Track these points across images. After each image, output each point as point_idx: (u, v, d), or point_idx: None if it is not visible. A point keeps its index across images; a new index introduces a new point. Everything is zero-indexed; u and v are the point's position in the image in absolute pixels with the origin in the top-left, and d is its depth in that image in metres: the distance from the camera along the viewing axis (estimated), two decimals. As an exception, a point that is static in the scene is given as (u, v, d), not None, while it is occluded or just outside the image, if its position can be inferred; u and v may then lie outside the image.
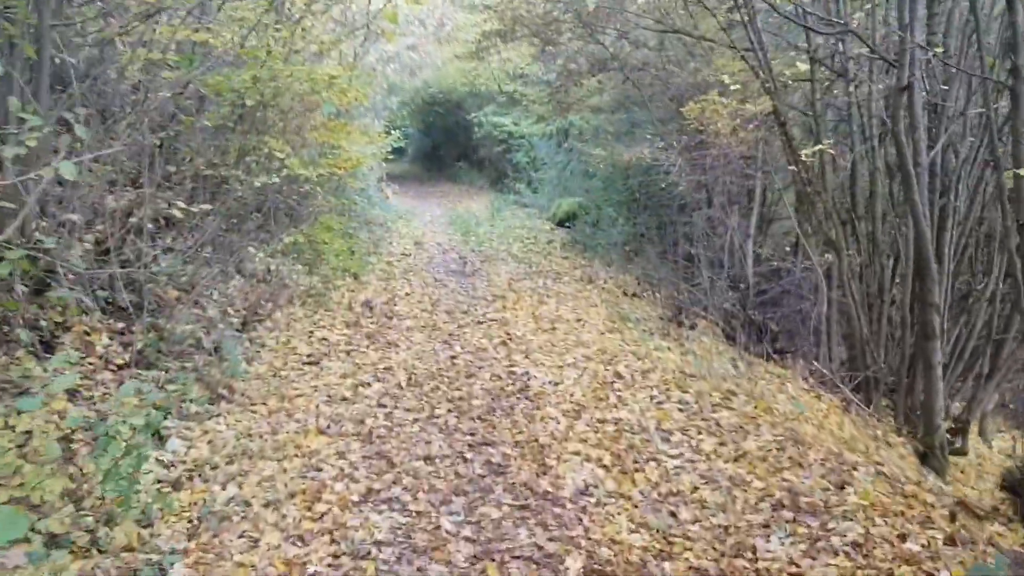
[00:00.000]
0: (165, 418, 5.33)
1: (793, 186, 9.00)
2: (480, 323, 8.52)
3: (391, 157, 18.14)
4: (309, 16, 11.09)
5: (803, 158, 7.94)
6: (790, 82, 8.03)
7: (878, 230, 8.63)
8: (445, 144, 30.11)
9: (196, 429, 5.26)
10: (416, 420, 5.64)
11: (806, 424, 5.88)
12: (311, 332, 7.75)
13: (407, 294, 9.85)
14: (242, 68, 7.65)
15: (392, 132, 15.79)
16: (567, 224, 15.89)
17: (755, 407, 6.01)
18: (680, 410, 5.89)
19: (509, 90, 22.60)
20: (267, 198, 9.31)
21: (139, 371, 5.81)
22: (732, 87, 7.79)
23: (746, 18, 7.70)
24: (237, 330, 7.35)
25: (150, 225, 6.92)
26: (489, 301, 9.56)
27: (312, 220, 10.67)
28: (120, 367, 5.76)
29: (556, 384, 6.46)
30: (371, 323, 8.40)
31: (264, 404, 5.82)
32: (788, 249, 10.86)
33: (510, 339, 7.84)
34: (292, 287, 8.85)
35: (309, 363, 6.86)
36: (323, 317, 8.41)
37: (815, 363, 8.71)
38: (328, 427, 5.47)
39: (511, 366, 6.96)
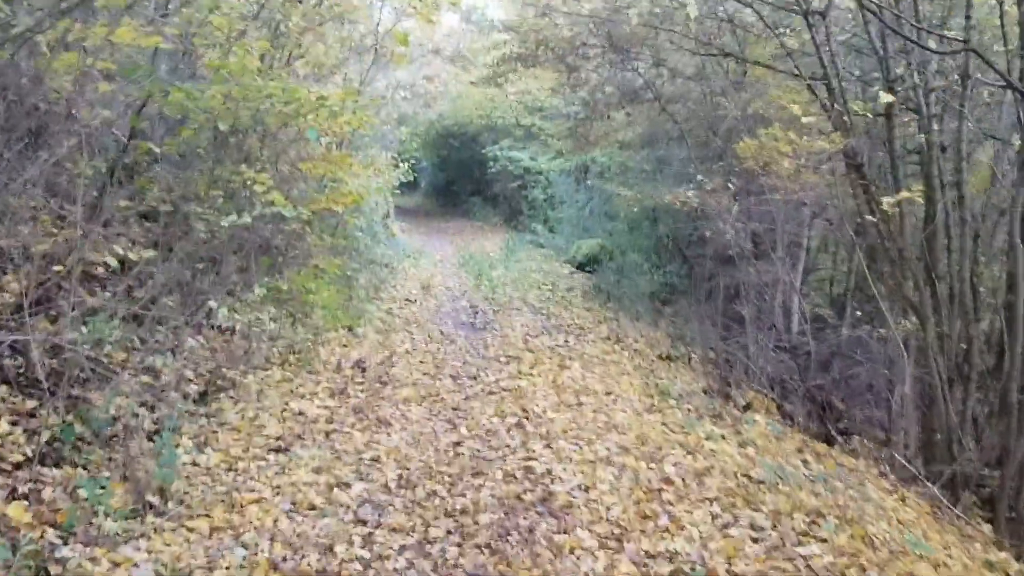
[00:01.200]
0: (65, 543, 3.91)
1: (863, 239, 7.57)
2: (491, 393, 7.08)
3: (399, 192, 16.85)
4: (308, 35, 9.82)
5: (883, 207, 6.53)
6: (869, 115, 6.63)
7: (965, 294, 7.19)
8: (459, 178, 28.89)
9: (102, 560, 3.82)
10: (404, 548, 4.18)
11: (921, 563, 4.39)
12: (286, 404, 6.32)
13: (408, 352, 8.42)
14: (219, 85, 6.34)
15: (401, 164, 14.50)
16: (587, 268, 14.49)
17: (850, 535, 4.53)
18: (754, 539, 4.41)
19: (527, 124, 21.36)
20: (247, 238, 7.97)
21: (43, 470, 4.40)
22: (804, 118, 6.39)
23: (820, 38, 6.33)
24: (195, 401, 5.94)
25: (100, 271, 5.60)
26: (502, 363, 8.12)
27: (302, 263, 9.31)
28: (18, 465, 4.36)
29: (587, 490, 4.99)
30: (361, 390, 6.97)
31: (206, 516, 4.37)
32: (830, 301, 9.43)
33: (527, 418, 6.39)
34: (269, 344, 7.45)
35: (276, 450, 5.42)
36: (305, 382, 6.98)
37: (889, 451, 7.22)
38: (284, 559, 4.02)
39: (529, 459, 5.49)
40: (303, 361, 7.48)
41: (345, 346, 8.48)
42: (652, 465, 5.42)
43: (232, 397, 6.16)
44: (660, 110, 10.09)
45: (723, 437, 6.10)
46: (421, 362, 8.09)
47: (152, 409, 5.35)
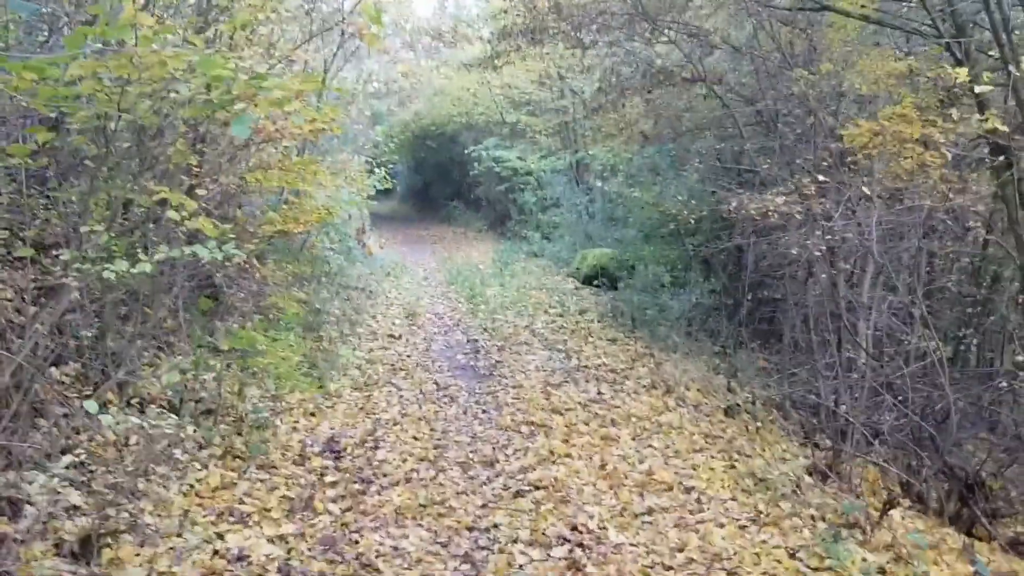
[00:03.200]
0: None
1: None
2: (519, 495, 4.87)
3: (374, 200, 14.59)
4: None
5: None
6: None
7: None
8: (437, 181, 26.66)
9: None
10: None
11: None
12: (216, 536, 4.09)
13: (396, 421, 6.20)
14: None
15: (377, 170, 12.25)
16: (597, 283, 12.34)
17: None
18: None
19: (512, 120, 19.15)
20: (169, 278, 5.72)
21: None
22: (980, 90, 4.26)
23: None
24: (74, 555, 3.74)
25: None
26: (525, 436, 5.92)
27: (254, 305, 7.09)
28: None
29: None
30: (334, 498, 4.76)
31: None
32: (944, 336, 7.32)
33: (581, 544, 4.21)
34: (204, 430, 5.22)
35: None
36: (252, 488, 4.76)
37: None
38: None
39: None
40: (253, 448, 5.25)
41: (313, 415, 6.26)
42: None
43: (133, 540, 3.92)
44: (707, 91, 7.95)
45: (883, 573, 3.96)
46: (415, 438, 5.87)
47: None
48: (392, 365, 7.86)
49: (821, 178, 5.53)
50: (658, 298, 10.09)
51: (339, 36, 9.60)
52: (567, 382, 7.35)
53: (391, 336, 9.04)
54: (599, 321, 10.01)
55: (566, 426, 6.12)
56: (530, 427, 6.06)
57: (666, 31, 7.72)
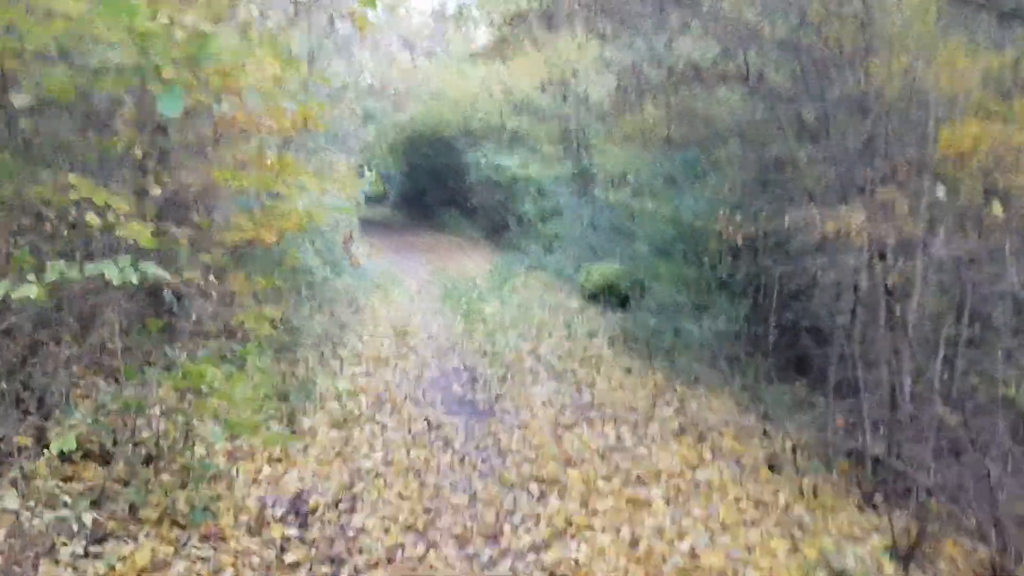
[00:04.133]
0: None
1: None
2: (533, 584, 3.80)
3: (366, 205, 13.58)
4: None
5: None
6: None
7: None
8: (432, 188, 25.54)
9: None
10: None
11: None
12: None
13: (376, 473, 5.10)
14: None
15: (368, 173, 11.19)
16: (603, 300, 11.29)
17: None
18: None
19: (513, 126, 18.12)
20: (105, 299, 4.63)
21: None
22: None
23: None
24: None
25: None
26: (535, 496, 4.83)
27: (210, 332, 6.00)
28: None
29: None
30: (295, 588, 3.67)
31: None
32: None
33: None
34: (138, 488, 4.12)
35: None
36: (188, 571, 3.67)
37: None
38: None
39: None
40: (197, 514, 4.15)
41: (280, 460, 5.17)
42: None
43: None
44: (747, 91, 6.93)
45: None
46: (401, 495, 4.77)
47: None
48: (378, 397, 6.76)
49: (940, 194, 4.47)
50: (675, 321, 9.02)
51: (328, 23, 8.55)
52: (580, 422, 6.27)
53: (378, 360, 7.94)
54: (610, 346, 8.94)
55: (583, 482, 5.03)
56: (540, 484, 4.97)
57: (701, 21, 6.68)
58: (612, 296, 11.26)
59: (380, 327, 9.53)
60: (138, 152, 5.17)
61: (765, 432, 6.60)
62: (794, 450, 6.29)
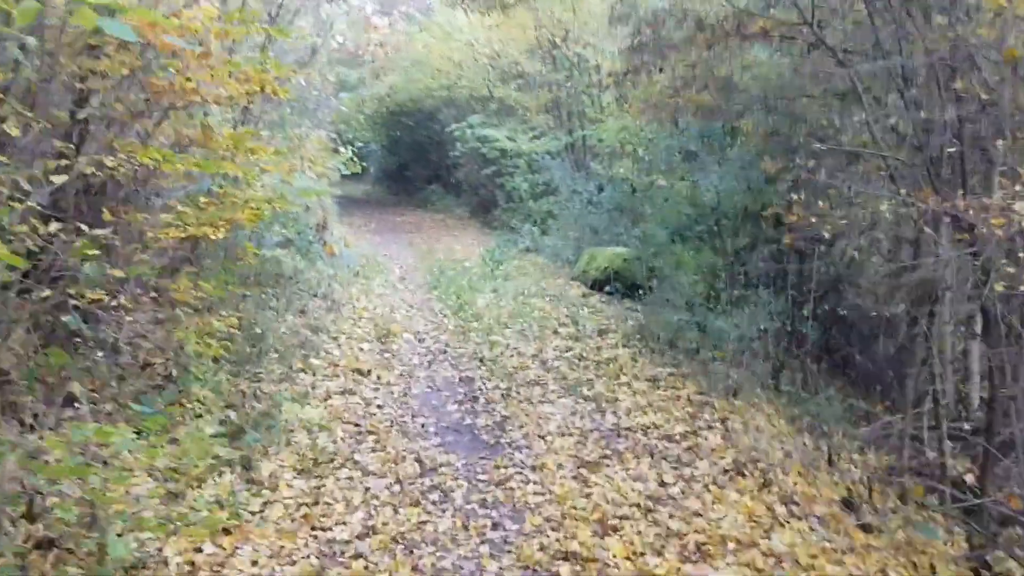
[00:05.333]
0: None
1: None
2: None
3: (344, 182, 12.27)
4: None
5: None
6: None
7: None
8: (414, 163, 24.10)
9: None
10: None
11: None
12: None
13: (355, 553, 3.81)
14: None
15: (343, 149, 9.80)
16: (608, 289, 10.02)
17: None
18: None
19: (501, 95, 16.70)
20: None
21: None
22: None
23: None
24: None
25: None
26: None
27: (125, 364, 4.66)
28: None
29: None
30: None
31: None
32: None
33: None
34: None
35: None
36: None
37: None
38: None
39: None
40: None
41: (228, 533, 3.86)
42: None
43: None
44: (809, 45, 5.60)
45: None
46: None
47: None
48: (356, 424, 5.46)
49: None
50: (699, 316, 7.78)
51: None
52: (608, 457, 5.00)
53: (357, 372, 6.63)
54: (625, 345, 7.68)
55: (628, 558, 3.78)
56: (573, 565, 3.71)
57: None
58: (618, 283, 9.99)
59: (360, 326, 8.20)
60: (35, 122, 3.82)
61: (830, 460, 5.39)
62: (869, 486, 5.09)
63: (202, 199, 5.35)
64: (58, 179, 4.18)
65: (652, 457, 5.02)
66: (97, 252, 3.94)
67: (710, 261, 8.54)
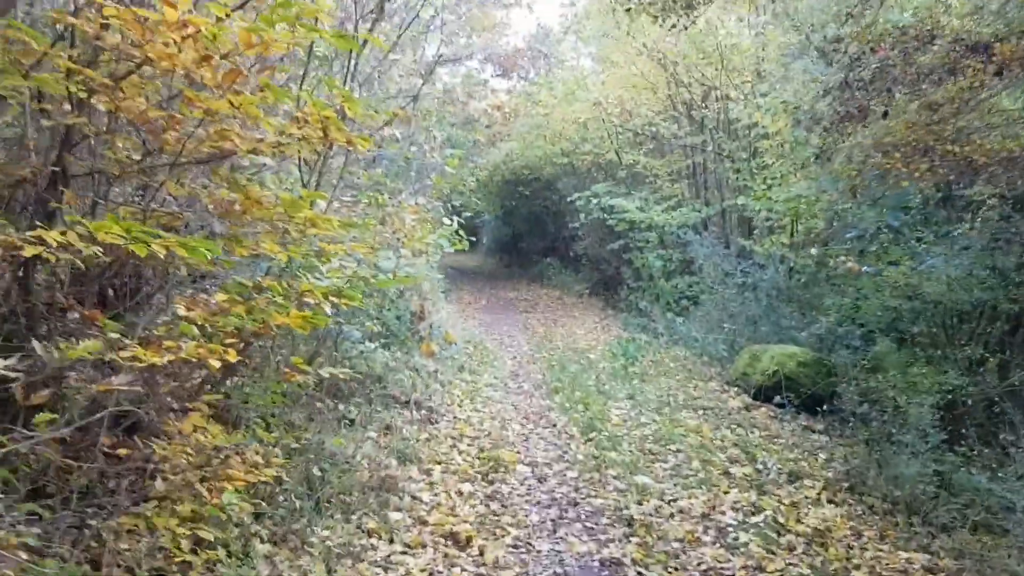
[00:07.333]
0: None
1: None
2: None
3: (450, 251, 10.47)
4: None
5: None
6: None
7: None
8: (529, 234, 22.44)
9: None
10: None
11: None
12: None
13: None
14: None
15: (449, 220, 7.96)
16: (779, 400, 7.60)
17: None
18: None
19: (630, 161, 14.75)
20: None
21: None
22: None
23: None
24: None
25: None
26: None
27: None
28: None
29: None
30: None
31: None
32: None
33: None
34: None
35: None
36: None
37: None
38: None
39: None
40: None
41: None
42: None
43: None
44: None
45: None
46: None
47: None
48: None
49: None
50: (935, 458, 5.29)
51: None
52: None
53: (451, 539, 4.52)
54: (832, 501, 5.27)
55: None
56: None
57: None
58: (791, 394, 7.56)
59: (461, 450, 6.14)
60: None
61: None
62: None
63: (220, 296, 3.48)
64: None
65: None
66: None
67: (940, 379, 6.05)
